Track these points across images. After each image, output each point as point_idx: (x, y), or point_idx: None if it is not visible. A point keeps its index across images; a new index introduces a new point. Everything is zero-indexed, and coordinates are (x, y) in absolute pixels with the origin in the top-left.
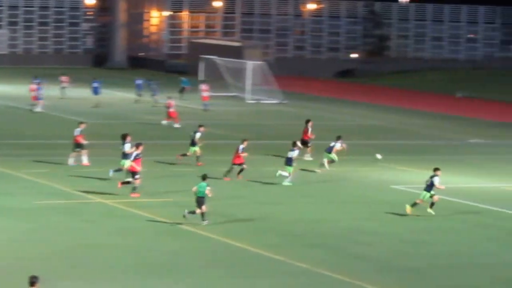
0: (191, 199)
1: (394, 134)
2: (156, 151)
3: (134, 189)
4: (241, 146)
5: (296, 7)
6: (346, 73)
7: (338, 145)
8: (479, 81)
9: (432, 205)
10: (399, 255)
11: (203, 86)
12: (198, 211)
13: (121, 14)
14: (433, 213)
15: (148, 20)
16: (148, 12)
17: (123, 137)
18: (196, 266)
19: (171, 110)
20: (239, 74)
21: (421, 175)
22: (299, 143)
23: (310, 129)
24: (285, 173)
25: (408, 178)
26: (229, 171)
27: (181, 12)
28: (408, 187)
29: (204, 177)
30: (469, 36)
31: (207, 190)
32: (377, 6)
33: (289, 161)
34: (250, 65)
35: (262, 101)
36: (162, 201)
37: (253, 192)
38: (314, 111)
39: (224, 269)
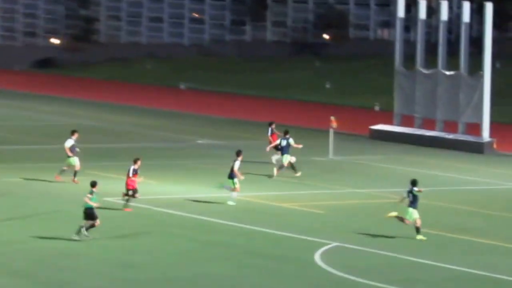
0: None
1: (106, 135)
2: None
3: None
4: (132, 167)
5: None
6: (46, 63)
7: (292, 141)
8: (207, 70)
9: (418, 230)
10: (111, 282)
11: None
12: (85, 223)
13: None
14: (424, 238)
15: None
16: None
17: None
18: None
19: None
20: None
21: (140, 185)
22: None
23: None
24: (232, 193)
25: (122, 188)
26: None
27: None
28: (123, 199)
29: (92, 184)
30: (193, 16)
31: (86, 198)
32: None
33: (231, 174)
34: None
35: None
36: None
37: None
38: (9, 109)
39: None
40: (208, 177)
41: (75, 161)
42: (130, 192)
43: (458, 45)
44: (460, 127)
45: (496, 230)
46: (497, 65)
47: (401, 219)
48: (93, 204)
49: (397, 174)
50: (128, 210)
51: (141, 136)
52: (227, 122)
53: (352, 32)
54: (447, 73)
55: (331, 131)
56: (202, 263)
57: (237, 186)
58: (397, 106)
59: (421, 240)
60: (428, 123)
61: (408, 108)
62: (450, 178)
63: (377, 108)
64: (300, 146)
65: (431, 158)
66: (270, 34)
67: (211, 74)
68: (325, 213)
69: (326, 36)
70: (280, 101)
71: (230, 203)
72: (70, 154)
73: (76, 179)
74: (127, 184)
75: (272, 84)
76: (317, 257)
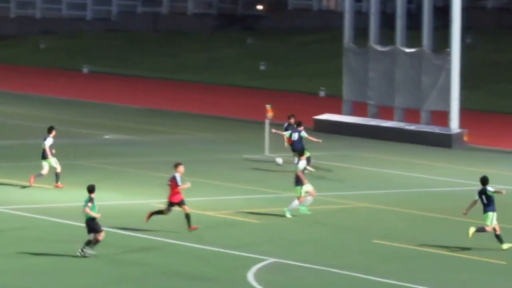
0: None
1: None
2: None
3: None
4: (178, 175)
5: None
6: None
7: (304, 133)
8: (116, 50)
9: (500, 238)
10: None
11: None
12: (91, 236)
13: None
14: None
15: None
16: None
17: None
18: None
19: None
20: None
21: (22, 190)
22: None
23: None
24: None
25: (2, 195)
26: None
27: None
28: (8, 208)
29: (90, 189)
30: None
31: (87, 208)
32: None
33: (298, 180)
34: None
35: None
36: None
37: None
38: None
39: None
40: (117, 180)
41: (54, 162)
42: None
43: (420, 17)
44: (424, 116)
45: (469, 241)
46: (468, 40)
47: (481, 229)
48: (95, 214)
49: (348, 174)
50: (194, 228)
51: (34, 130)
52: (140, 113)
53: (291, 2)
54: (407, 50)
55: (267, 123)
56: (111, 285)
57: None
58: (347, 92)
59: (509, 248)
60: (385, 112)
61: (360, 93)
62: (411, 178)
63: (322, 93)
64: (319, 140)
65: (388, 154)
66: (191, 5)
67: (120, 54)
68: (261, 223)
69: (259, 7)
70: (205, 86)
71: (289, 215)
72: (49, 154)
73: (59, 183)
74: (172, 196)
75: (195, 65)
76: (250, 276)
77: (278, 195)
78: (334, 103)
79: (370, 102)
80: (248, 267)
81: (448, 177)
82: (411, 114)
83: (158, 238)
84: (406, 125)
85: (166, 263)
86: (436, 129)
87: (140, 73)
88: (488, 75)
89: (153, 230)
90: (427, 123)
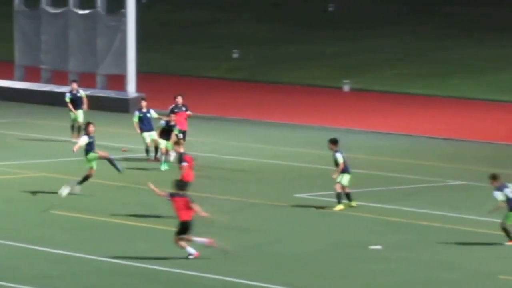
0: None
1: None
2: None
3: None
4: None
5: None
6: None
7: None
8: None
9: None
10: None
11: None
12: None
13: None
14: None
15: None
16: None
17: None
18: None
19: None
20: None
21: None
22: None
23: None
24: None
25: None
26: None
27: None
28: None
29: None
30: None
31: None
32: None
33: None
34: None
35: None
36: None
37: None
38: None
39: None
40: None
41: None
42: None
43: None
44: (99, 80)
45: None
46: (143, 0)
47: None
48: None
49: (21, 142)
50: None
51: None
52: None
53: None
54: (80, 12)
55: None
56: None
57: None
58: (19, 56)
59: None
60: (59, 77)
61: (33, 58)
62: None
63: None
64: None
65: (63, 120)
66: None
67: None
68: None
69: None
70: None
71: None
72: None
73: None
74: None
75: None
76: None
77: None
78: (6, 69)
79: (44, 66)
80: None
81: (128, 143)
82: (87, 78)
83: None
84: (82, 90)
85: None
86: (112, 94)
87: None
88: (164, 36)
89: None
90: (103, 88)
